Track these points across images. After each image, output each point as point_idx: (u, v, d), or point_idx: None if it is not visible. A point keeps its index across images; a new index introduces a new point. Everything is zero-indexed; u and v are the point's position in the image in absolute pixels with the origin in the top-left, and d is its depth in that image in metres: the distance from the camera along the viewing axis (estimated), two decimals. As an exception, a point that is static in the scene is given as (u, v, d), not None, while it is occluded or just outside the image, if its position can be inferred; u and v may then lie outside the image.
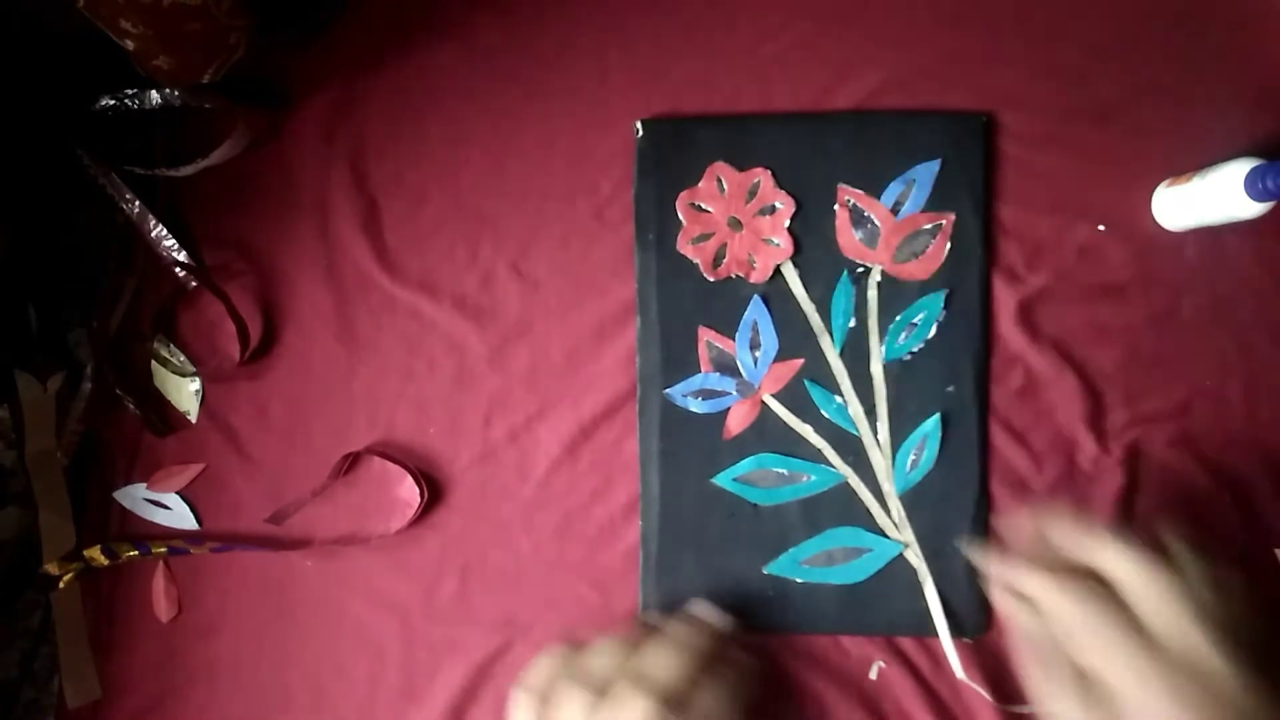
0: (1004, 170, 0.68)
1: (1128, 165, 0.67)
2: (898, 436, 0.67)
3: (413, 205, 0.71)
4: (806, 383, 0.67)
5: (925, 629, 0.66)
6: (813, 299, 0.67)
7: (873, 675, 0.66)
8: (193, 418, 0.71)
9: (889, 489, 0.67)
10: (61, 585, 0.69)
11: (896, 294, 0.67)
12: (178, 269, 0.70)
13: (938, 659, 0.66)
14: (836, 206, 0.67)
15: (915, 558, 0.66)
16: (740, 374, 0.67)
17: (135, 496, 0.71)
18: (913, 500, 0.66)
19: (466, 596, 0.69)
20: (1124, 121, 0.68)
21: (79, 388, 0.71)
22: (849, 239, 0.67)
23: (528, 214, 0.70)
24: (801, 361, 0.67)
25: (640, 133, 0.68)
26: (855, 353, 0.67)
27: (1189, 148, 0.67)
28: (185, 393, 0.71)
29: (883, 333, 0.67)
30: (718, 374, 0.67)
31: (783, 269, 0.67)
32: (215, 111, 0.69)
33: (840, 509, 0.66)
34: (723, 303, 0.67)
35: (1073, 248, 0.67)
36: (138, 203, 0.70)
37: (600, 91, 0.70)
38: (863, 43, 0.69)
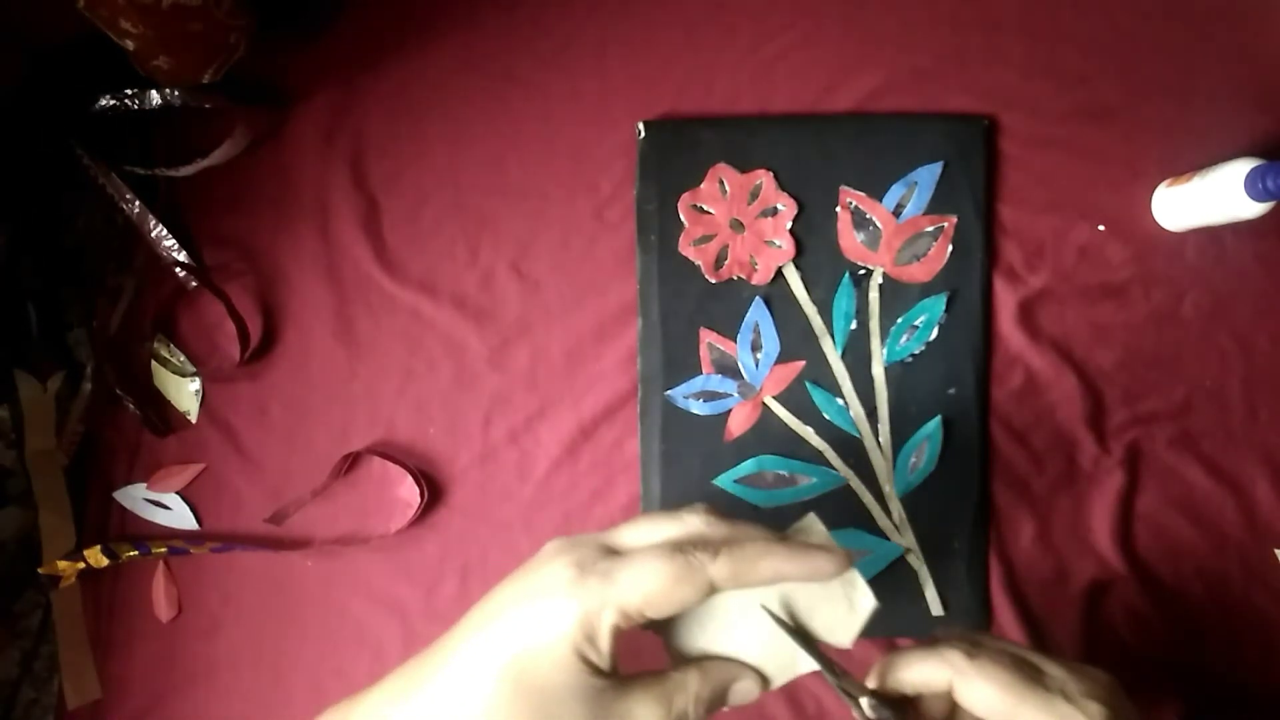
0: (1004, 170, 0.68)
1: (1128, 165, 0.68)
2: (899, 439, 0.67)
3: (413, 205, 0.70)
4: (808, 385, 0.67)
5: (926, 631, 0.66)
6: (814, 301, 0.67)
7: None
8: (193, 418, 0.71)
9: (890, 491, 0.67)
10: (61, 585, 0.69)
11: (898, 296, 0.67)
12: (178, 269, 0.70)
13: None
14: (838, 209, 0.67)
15: (916, 560, 0.66)
16: (742, 376, 0.67)
17: (135, 496, 0.71)
18: (913, 503, 0.66)
19: (466, 596, 0.69)
20: (1124, 121, 0.68)
21: (79, 388, 0.71)
22: (851, 241, 0.67)
23: (528, 214, 0.70)
24: (803, 363, 0.67)
25: (642, 134, 0.68)
26: (857, 355, 0.67)
27: (1189, 148, 0.67)
28: (185, 393, 0.71)
29: (884, 335, 0.67)
30: (719, 375, 0.67)
31: (784, 271, 0.67)
32: (215, 111, 0.69)
33: (841, 511, 0.66)
34: (724, 304, 0.67)
35: (1073, 248, 0.67)
36: (138, 203, 0.70)
37: (600, 91, 0.70)
38: (863, 43, 0.69)
